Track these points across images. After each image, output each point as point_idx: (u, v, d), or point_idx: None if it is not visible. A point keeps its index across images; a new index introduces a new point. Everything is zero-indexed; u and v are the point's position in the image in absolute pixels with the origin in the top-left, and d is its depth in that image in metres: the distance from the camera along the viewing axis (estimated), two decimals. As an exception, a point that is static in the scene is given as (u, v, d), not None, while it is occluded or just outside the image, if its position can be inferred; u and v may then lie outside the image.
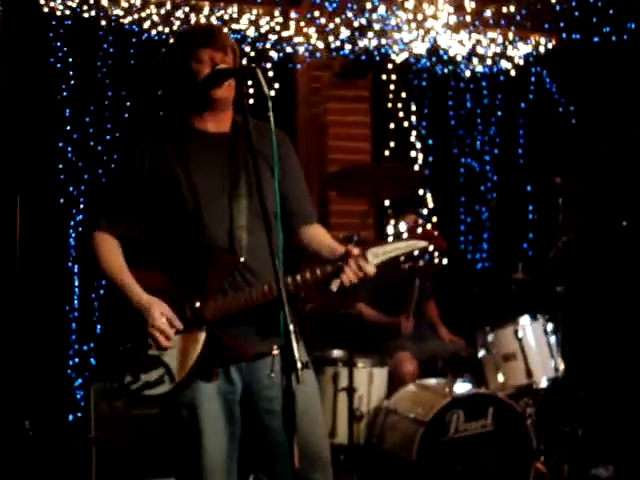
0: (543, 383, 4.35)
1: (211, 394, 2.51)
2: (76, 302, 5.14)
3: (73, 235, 5.16)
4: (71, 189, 5.18)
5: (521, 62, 5.75)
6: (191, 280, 2.48)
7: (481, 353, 4.43)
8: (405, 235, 2.48)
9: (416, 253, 2.46)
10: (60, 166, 5.18)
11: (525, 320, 4.42)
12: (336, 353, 4.52)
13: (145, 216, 2.56)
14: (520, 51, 5.68)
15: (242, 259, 2.48)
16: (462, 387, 4.18)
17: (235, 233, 2.49)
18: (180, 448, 2.55)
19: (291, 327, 2.09)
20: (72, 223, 5.16)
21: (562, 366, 4.40)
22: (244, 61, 5.09)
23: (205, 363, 2.47)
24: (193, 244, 2.50)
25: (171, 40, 2.50)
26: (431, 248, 2.46)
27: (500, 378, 4.33)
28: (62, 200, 5.15)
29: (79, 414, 4.95)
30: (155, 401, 2.53)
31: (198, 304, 2.46)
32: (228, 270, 2.48)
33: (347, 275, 2.44)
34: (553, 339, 4.43)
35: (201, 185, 2.50)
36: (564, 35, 5.58)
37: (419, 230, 2.50)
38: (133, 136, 2.64)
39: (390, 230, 2.50)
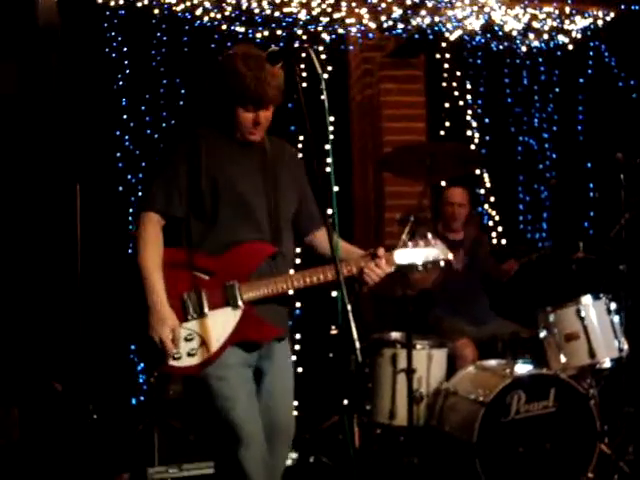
0: (607, 363, 4.26)
1: (238, 364, 2.70)
2: (137, 287, 5.21)
3: (132, 222, 5.24)
4: (129, 177, 5.25)
5: (579, 36, 5.61)
6: (234, 264, 2.69)
7: (542, 333, 4.36)
8: (422, 243, 2.83)
9: (429, 265, 2.82)
10: (118, 154, 5.25)
11: (587, 299, 4.33)
12: (394, 335, 4.51)
13: (194, 202, 2.72)
14: (577, 25, 5.54)
15: (279, 249, 2.73)
16: (523, 368, 4.12)
17: (276, 230, 2.75)
18: (213, 412, 2.66)
19: (349, 307, 2.10)
20: (131, 210, 5.23)
21: (626, 346, 4.30)
22: (296, 44, 5.12)
23: (237, 338, 2.67)
24: (245, 234, 2.71)
25: (227, 62, 2.70)
26: (442, 262, 2.82)
27: (562, 358, 4.26)
28: (121, 188, 5.22)
29: (142, 398, 5.03)
30: (186, 372, 2.67)
31: (238, 284, 2.66)
32: (265, 257, 2.72)
33: (369, 276, 2.75)
34: (616, 318, 4.34)
35: (244, 185, 2.74)
36: (623, 6, 5.43)
37: (431, 240, 2.82)
38: (187, 134, 2.80)
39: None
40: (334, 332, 2.51)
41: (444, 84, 5.74)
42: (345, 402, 2.11)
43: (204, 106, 2.89)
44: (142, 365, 5.15)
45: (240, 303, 2.66)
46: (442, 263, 2.82)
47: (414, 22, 5.15)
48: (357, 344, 2.07)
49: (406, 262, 2.80)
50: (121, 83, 5.28)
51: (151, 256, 2.66)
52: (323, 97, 2.41)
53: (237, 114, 2.70)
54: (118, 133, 5.26)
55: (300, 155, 3.15)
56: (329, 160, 2.46)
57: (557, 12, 5.45)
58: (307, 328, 2.90)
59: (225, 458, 2.66)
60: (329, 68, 5.39)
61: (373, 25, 5.25)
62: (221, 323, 2.65)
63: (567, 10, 5.46)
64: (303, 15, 5.18)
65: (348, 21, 5.26)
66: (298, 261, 3.03)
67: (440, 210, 5.02)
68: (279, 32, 5.22)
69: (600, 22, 5.57)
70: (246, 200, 2.72)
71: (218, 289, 2.66)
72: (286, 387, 2.85)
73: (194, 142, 2.74)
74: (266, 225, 2.74)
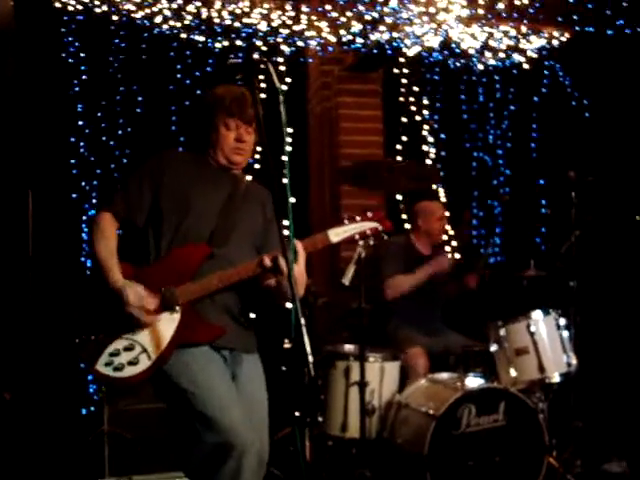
0: (555, 378, 4.32)
1: (207, 355, 2.71)
2: (88, 296, 5.14)
3: (85, 230, 5.17)
4: (83, 184, 5.19)
5: (534, 55, 5.72)
6: (170, 268, 2.73)
7: (493, 348, 4.41)
8: (358, 218, 2.84)
9: (368, 232, 2.83)
10: (72, 161, 5.19)
11: (537, 315, 4.40)
12: (348, 347, 4.52)
13: (148, 213, 2.81)
14: (533, 44, 5.65)
15: (216, 250, 2.75)
16: (474, 381, 4.17)
17: (215, 234, 2.78)
18: (201, 422, 2.59)
19: (302, 321, 2.11)
20: (84, 218, 5.17)
21: (574, 361, 4.38)
22: (255, 55, 5.12)
23: (179, 341, 2.69)
24: (178, 241, 2.77)
25: (203, 96, 3.02)
26: (380, 228, 2.85)
27: (512, 373, 4.32)
28: (74, 195, 5.16)
29: (92, 408, 4.96)
30: (132, 382, 2.67)
31: (172, 287, 2.69)
32: (202, 257, 2.74)
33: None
34: (566, 334, 4.41)
35: (201, 202, 2.81)
36: (577, 28, 5.54)
37: (369, 214, 2.84)
38: (163, 152, 2.93)
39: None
40: (287, 346, 2.49)
41: (401, 99, 5.79)
42: (297, 414, 2.12)
43: (189, 136, 2.98)
44: (92, 375, 5.08)
45: (177, 306, 2.68)
46: (368, 231, 2.82)
47: (373, 37, 5.19)
48: (310, 358, 2.08)
49: (342, 237, 2.81)
50: (77, 89, 5.23)
51: (103, 245, 2.72)
52: (281, 109, 2.43)
53: (220, 133, 2.85)
54: (73, 139, 5.20)
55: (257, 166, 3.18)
56: (286, 171, 2.48)
57: (514, 31, 5.54)
58: (260, 341, 2.90)
59: (215, 469, 2.57)
60: (288, 80, 5.39)
61: (333, 39, 5.28)
62: (161, 328, 2.68)
63: (523, 30, 5.55)
64: (263, 26, 5.19)
65: (308, 34, 5.28)
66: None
67: (421, 225, 4.96)
68: (239, 43, 5.22)
69: (555, 42, 5.68)
70: (196, 215, 2.78)
71: (154, 296, 2.69)
72: (260, 411, 2.82)
73: (160, 162, 2.85)
74: (206, 231, 2.78)
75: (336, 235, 2.80)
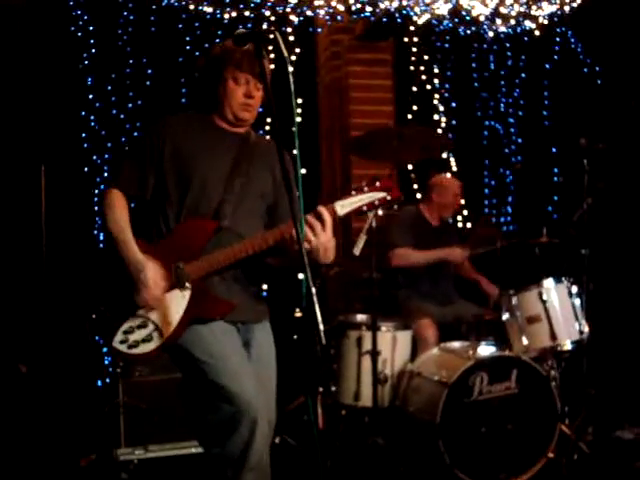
0: (567, 345, 4.34)
1: (220, 326, 2.72)
2: (102, 269, 5.18)
3: (98, 203, 5.20)
4: (95, 157, 5.20)
5: (545, 22, 5.64)
6: (178, 244, 2.72)
7: (505, 316, 4.42)
8: (366, 188, 2.70)
9: (377, 203, 2.69)
10: (83, 135, 5.20)
11: (549, 283, 4.40)
12: (360, 317, 4.55)
13: (154, 185, 2.79)
14: (544, 10, 5.57)
15: (223, 224, 2.73)
16: (486, 350, 4.19)
17: (223, 206, 2.75)
18: (213, 391, 2.62)
19: (313, 290, 2.12)
20: (96, 191, 5.19)
21: (587, 328, 4.39)
22: (264, 25, 5.09)
23: (190, 317, 2.69)
24: (185, 214, 2.75)
25: (211, 54, 2.87)
26: (389, 198, 2.70)
27: (524, 341, 4.33)
28: (86, 169, 5.18)
29: (107, 380, 5.02)
30: (144, 357, 2.70)
31: (182, 265, 2.69)
32: (209, 233, 2.72)
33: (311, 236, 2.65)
34: (577, 301, 4.42)
35: (206, 168, 2.77)
36: (589, -7, 5.48)
37: (377, 183, 2.70)
38: (164, 118, 2.86)
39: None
40: (298, 315, 2.49)
41: (412, 68, 5.75)
42: (309, 383, 2.15)
43: (195, 95, 2.96)
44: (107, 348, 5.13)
45: (187, 283, 2.69)
46: (377, 202, 2.68)
47: (382, 5, 5.14)
48: (321, 327, 2.10)
49: (348, 210, 2.69)
50: (87, 62, 5.21)
51: (116, 219, 2.72)
52: (290, 79, 2.42)
53: (228, 87, 2.78)
54: (83, 113, 5.20)
55: (268, 136, 3.15)
56: (296, 142, 2.47)
57: (524, -3, 5.48)
58: (271, 310, 2.92)
59: (227, 437, 2.60)
60: (297, 50, 5.36)
61: (341, 7, 5.23)
62: (172, 306, 2.68)
63: (534, -5, 5.49)
64: (272, -5, 5.15)
65: (316, 3, 5.22)
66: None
67: (435, 199, 4.98)
68: (247, 13, 5.18)
69: (567, 8, 5.60)
70: (201, 183, 2.75)
71: (166, 274, 2.69)
72: (269, 376, 2.84)
73: (161, 130, 2.80)
74: (212, 204, 2.75)
75: (342, 207, 2.68)
